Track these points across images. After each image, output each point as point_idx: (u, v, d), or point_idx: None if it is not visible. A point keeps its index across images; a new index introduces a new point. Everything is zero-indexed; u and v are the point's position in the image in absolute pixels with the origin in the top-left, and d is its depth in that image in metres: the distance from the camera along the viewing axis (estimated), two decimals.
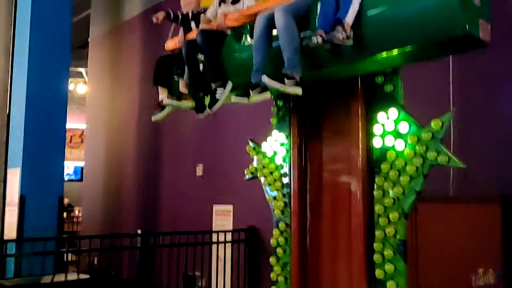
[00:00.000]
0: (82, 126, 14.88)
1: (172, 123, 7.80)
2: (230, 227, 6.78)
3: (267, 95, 3.22)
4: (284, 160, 3.59)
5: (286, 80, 2.83)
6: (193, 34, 3.54)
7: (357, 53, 2.75)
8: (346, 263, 3.17)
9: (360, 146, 3.06)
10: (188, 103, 3.60)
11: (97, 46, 10.85)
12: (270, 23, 2.92)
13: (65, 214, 14.97)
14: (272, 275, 3.53)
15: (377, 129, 3.00)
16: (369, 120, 3.05)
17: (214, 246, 6.30)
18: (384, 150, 2.97)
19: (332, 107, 3.40)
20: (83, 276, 4.63)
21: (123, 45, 9.90)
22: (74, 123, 16.58)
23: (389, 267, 2.87)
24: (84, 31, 11.66)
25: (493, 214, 3.92)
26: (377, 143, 3.01)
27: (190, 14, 3.72)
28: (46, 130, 7.63)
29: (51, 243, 5.86)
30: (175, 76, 3.65)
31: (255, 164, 3.85)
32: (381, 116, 2.98)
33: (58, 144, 7.83)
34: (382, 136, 2.99)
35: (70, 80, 16.57)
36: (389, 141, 2.95)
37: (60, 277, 4.47)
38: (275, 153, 3.66)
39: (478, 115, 4.49)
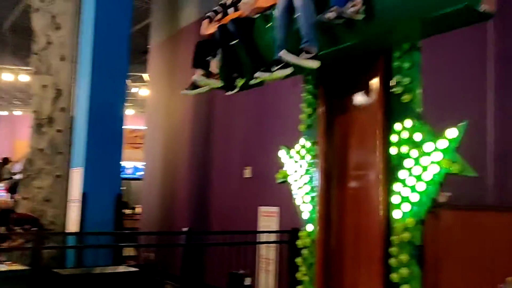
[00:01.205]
0: (144, 127, 15.61)
1: (223, 127, 8.13)
2: (275, 229, 6.97)
3: (288, 71, 3.24)
4: (311, 166, 3.75)
5: (303, 54, 2.99)
6: (228, 18, 3.79)
7: (369, 27, 2.87)
8: (366, 266, 3.29)
9: (378, 153, 3.17)
10: (217, 82, 3.80)
11: (156, 52, 11.39)
12: (290, 3, 3.11)
13: (129, 211, 15.79)
14: (298, 275, 3.70)
15: (394, 138, 3.10)
16: (388, 129, 3.15)
17: (258, 246, 6.50)
18: (401, 157, 3.07)
19: (355, 116, 3.53)
20: (131, 269, 4.98)
21: (180, 51, 10.35)
22: (137, 125, 17.42)
23: (404, 271, 2.96)
24: (148, 37, 12.28)
25: None
26: (394, 151, 3.11)
27: (228, 2, 4.00)
28: (106, 132, 8.14)
29: (110, 238, 6.29)
30: (208, 58, 3.87)
31: (285, 168, 4.03)
32: (398, 125, 3.08)
33: (116, 145, 8.33)
34: (399, 144, 3.08)
35: (133, 84, 17.47)
36: (406, 149, 3.04)
37: (111, 269, 4.85)
38: (303, 158, 3.82)
39: None
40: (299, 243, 3.76)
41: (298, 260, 3.73)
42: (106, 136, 8.12)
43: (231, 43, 3.70)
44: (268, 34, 3.53)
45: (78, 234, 7.15)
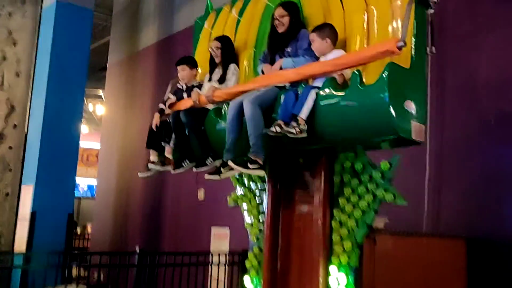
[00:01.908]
0: (99, 145, 15.49)
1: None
2: (227, 249, 7.11)
3: (236, 171, 3.54)
4: (261, 190, 3.96)
5: (249, 163, 3.22)
6: (181, 104, 4.00)
7: (310, 141, 3.17)
8: (310, 286, 3.50)
9: (322, 180, 3.42)
10: (171, 167, 3.99)
11: (114, 71, 11.44)
12: (241, 110, 3.33)
13: (79, 230, 15.49)
14: None
15: (337, 167, 3.37)
16: (332, 159, 3.41)
17: (209, 267, 6.62)
18: (342, 185, 3.33)
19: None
20: (81, 286, 5.00)
21: (138, 72, 10.46)
22: (92, 141, 17.22)
23: None
24: (106, 54, 12.31)
25: (457, 249, 4.20)
26: (337, 179, 3.37)
27: (184, 87, 4.18)
28: (60, 150, 8.11)
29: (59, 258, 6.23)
30: (162, 142, 4.03)
31: (237, 192, 4.23)
32: (341, 155, 3.35)
33: (70, 163, 8.31)
34: (341, 173, 3.35)
35: (89, 101, 17.32)
36: (347, 178, 3.31)
37: None
38: (253, 181, 4.03)
39: (453, 160, 4.80)
40: (248, 264, 3.94)
41: (246, 279, 3.90)
42: (60, 154, 8.09)
43: (183, 131, 3.86)
44: (218, 128, 3.73)
45: (23, 254, 7.02)
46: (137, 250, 5.92)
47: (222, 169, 3.48)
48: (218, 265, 6.58)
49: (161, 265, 6.07)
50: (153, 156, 4.08)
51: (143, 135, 9.98)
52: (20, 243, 7.62)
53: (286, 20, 3.54)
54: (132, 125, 10.33)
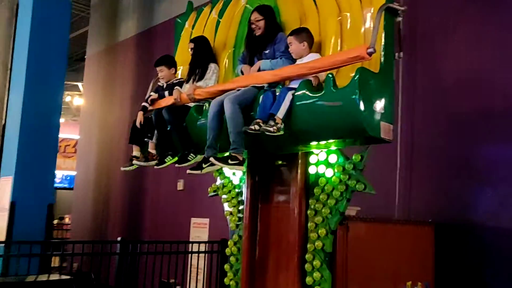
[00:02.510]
0: (77, 136, 15.46)
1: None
2: (206, 239, 7.30)
3: (217, 167, 3.68)
4: (240, 181, 4.15)
5: (230, 160, 3.39)
6: (163, 102, 4.15)
7: (287, 139, 3.35)
8: (286, 271, 3.71)
9: (299, 172, 3.62)
10: (154, 162, 4.15)
11: (93, 63, 11.45)
12: (221, 108, 3.50)
13: (56, 221, 15.46)
14: (226, 280, 4.07)
15: (312, 159, 3.57)
16: (307, 151, 3.62)
17: (189, 256, 6.80)
18: (317, 176, 3.54)
19: None
20: (64, 277, 5.11)
21: (117, 64, 10.49)
22: (69, 133, 17.14)
23: (316, 275, 3.42)
24: (83, 44, 12.27)
25: (426, 234, 4.46)
26: (312, 170, 3.58)
27: (164, 85, 4.33)
28: (39, 141, 8.12)
29: (39, 248, 6.32)
30: (145, 139, 4.20)
31: (217, 183, 4.40)
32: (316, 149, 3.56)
33: (50, 154, 8.32)
34: (316, 164, 3.55)
35: (67, 92, 17.19)
36: (322, 169, 3.52)
37: (44, 277, 4.97)
38: (233, 174, 4.21)
39: (422, 153, 5.07)
40: (227, 251, 4.13)
41: (226, 266, 4.10)
42: (39, 145, 8.09)
43: (165, 127, 4.03)
44: (199, 125, 3.89)
45: (3, 242, 7.07)
46: (119, 239, 6.05)
47: (203, 165, 3.63)
48: (198, 253, 6.76)
49: (143, 253, 6.21)
50: (136, 151, 4.24)
51: (123, 127, 10.14)
52: (0, 234, 7.65)
53: (261, 23, 3.71)
54: (112, 117, 10.39)
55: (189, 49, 4.22)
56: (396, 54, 3.28)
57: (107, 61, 10.90)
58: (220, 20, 4.39)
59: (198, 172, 3.66)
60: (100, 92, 10.98)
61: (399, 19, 3.23)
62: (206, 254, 6.91)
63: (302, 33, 3.48)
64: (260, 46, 3.73)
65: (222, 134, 3.56)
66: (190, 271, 6.97)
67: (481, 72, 4.69)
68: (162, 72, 4.33)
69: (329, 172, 3.48)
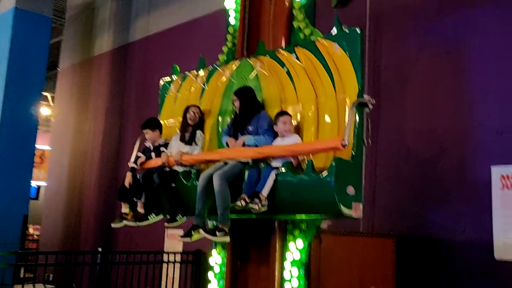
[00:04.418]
0: (42, 146, 15.50)
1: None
2: (181, 249, 7.58)
3: (206, 235, 3.90)
4: None
5: (217, 231, 3.72)
6: (151, 163, 4.47)
7: (270, 213, 3.69)
8: (266, 279, 4.10)
9: None
10: (143, 223, 4.46)
11: (67, 75, 11.60)
12: (210, 181, 3.83)
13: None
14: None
15: None
16: None
17: (165, 266, 7.08)
18: None
19: None
20: (49, 286, 5.33)
21: (92, 77, 10.71)
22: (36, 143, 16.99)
23: (294, 282, 3.84)
24: (53, 54, 12.36)
25: (387, 246, 4.94)
26: None
27: (152, 147, 4.65)
28: (16, 152, 8.29)
29: (13, 258, 6.44)
30: (134, 198, 4.51)
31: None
32: None
33: (26, 165, 8.49)
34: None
35: None
36: None
37: (29, 287, 5.17)
38: None
39: (385, 174, 5.62)
40: (211, 260, 4.50)
41: (210, 275, 4.46)
42: (16, 156, 8.25)
43: (152, 188, 4.36)
44: (188, 188, 4.17)
45: None
46: (100, 249, 6.29)
47: (192, 232, 3.93)
48: (174, 263, 7.05)
49: (122, 263, 6.45)
50: (125, 208, 4.57)
51: (97, 140, 10.31)
52: None
53: (237, 104, 4.10)
54: (85, 129, 10.57)
55: (190, 112, 4.45)
56: (365, 141, 3.56)
57: (81, 75, 11.09)
58: (205, 88, 4.68)
59: (188, 239, 3.95)
60: (74, 105, 11.14)
61: (368, 110, 3.55)
62: (181, 265, 7.22)
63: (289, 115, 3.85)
64: (243, 122, 4.05)
65: (210, 203, 3.90)
66: (166, 281, 7.25)
67: (436, 108, 5.32)
68: (147, 135, 4.66)
69: None
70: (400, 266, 4.87)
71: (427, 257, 5.05)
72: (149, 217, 4.39)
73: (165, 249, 7.77)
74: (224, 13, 4.83)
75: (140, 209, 4.48)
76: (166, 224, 4.31)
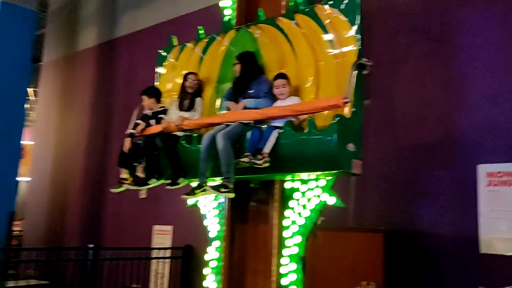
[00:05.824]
0: (25, 141, 15.23)
1: (119, 145, 8.66)
2: (169, 245, 7.64)
3: (208, 193, 4.06)
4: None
5: (221, 188, 3.82)
6: (151, 130, 4.52)
7: (273, 170, 3.80)
8: (263, 273, 4.21)
9: (276, 186, 4.16)
10: (143, 187, 4.54)
11: (50, 69, 11.48)
12: (213, 141, 3.93)
13: None
14: (207, 282, 4.52)
15: (289, 176, 4.13)
16: None
17: (151, 262, 7.13)
18: (293, 191, 4.10)
19: None
20: (44, 282, 5.35)
21: (76, 72, 10.62)
22: None
23: (291, 276, 3.96)
24: (34, 48, 12.18)
25: (376, 240, 5.11)
26: (288, 185, 4.14)
27: (150, 113, 4.71)
28: (1, 148, 8.22)
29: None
30: (134, 163, 4.56)
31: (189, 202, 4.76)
32: None
33: (12, 161, 8.42)
34: (292, 180, 4.11)
35: None
36: (298, 184, 4.08)
37: (24, 282, 5.19)
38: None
39: (374, 170, 5.77)
40: (208, 255, 4.58)
41: (207, 270, 4.55)
42: (1, 152, 8.19)
43: (154, 153, 4.43)
44: (190, 151, 4.27)
45: None
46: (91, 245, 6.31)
47: (196, 190, 4.01)
48: (164, 259, 7.12)
49: (115, 259, 6.50)
50: (124, 174, 4.61)
51: (82, 134, 10.23)
52: None
53: (237, 67, 4.21)
54: (69, 124, 10.50)
55: (187, 80, 4.57)
56: (364, 101, 3.80)
57: (65, 69, 11.00)
58: (203, 56, 4.80)
59: (191, 197, 4.04)
60: (57, 99, 11.04)
61: (366, 71, 3.76)
62: (170, 260, 7.28)
63: (288, 78, 4.00)
64: (244, 86, 4.16)
65: (212, 162, 4.00)
66: (155, 276, 7.31)
67: (425, 106, 5.48)
68: (144, 102, 4.75)
69: (303, 187, 4.04)
70: (389, 259, 5.04)
71: (414, 251, 5.23)
72: (149, 181, 4.44)
73: (153, 245, 7.80)
74: (214, 9, 4.89)
75: (140, 174, 4.52)
76: (167, 187, 4.35)
